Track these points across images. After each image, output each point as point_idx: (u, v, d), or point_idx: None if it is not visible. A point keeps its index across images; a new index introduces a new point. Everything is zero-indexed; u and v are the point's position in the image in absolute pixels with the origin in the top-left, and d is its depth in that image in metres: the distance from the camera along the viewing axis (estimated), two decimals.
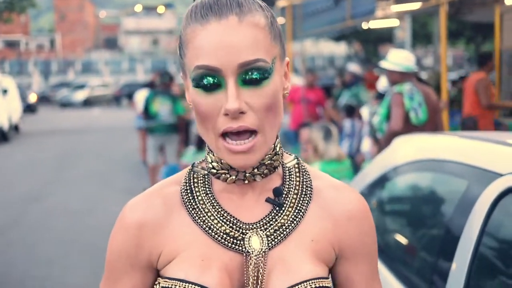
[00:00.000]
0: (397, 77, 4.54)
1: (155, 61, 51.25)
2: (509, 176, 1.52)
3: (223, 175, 0.97)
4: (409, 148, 2.19)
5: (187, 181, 1.00)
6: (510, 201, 1.52)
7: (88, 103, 33.78)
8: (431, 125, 4.42)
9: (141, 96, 10.37)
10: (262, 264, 0.93)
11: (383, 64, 4.69)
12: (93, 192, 8.62)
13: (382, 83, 6.46)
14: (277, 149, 0.98)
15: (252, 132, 0.90)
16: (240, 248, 0.94)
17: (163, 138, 8.12)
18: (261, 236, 0.95)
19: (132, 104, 12.12)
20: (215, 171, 0.98)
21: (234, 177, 0.96)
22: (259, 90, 0.89)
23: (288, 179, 1.00)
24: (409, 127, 4.26)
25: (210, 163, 0.99)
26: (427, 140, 2.21)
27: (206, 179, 1.00)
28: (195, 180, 1.00)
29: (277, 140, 0.99)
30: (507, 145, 1.69)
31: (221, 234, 0.95)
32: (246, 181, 0.96)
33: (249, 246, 0.94)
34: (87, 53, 58.40)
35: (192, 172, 1.01)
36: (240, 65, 0.87)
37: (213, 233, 0.95)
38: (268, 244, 0.94)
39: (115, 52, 60.91)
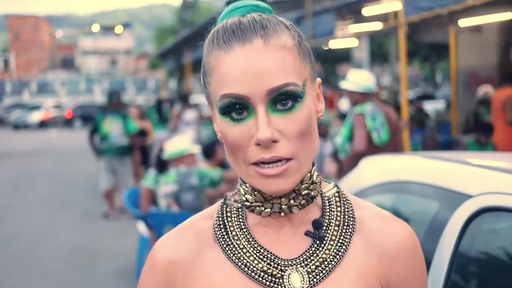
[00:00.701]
0: (358, 98, 4.58)
1: (113, 82, 50.77)
2: (479, 197, 1.51)
3: (258, 207, 0.90)
4: (375, 169, 2.16)
5: (219, 215, 0.94)
6: (481, 223, 1.50)
7: (44, 124, 32.97)
8: (393, 145, 4.46)
9: None
10: None
11: (344, 84, 4.73)
12: (50, 216, 8.35)
13: (344, 104, 6.54)
14: (314, 177, 0.91)
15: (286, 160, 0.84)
16: (279, 286, 0.86)
17: (115, 160, 7.90)
18: (301, 273, 0.87)
19: None
20: (248, 203, 0.91)
21: (269, 209, 0.89)
22: (291, 115, 0.83)
23: (328, 210, 0.93)
24: (371, 147, 4.29)
25: (243, 195, 0.92)
26: (393, 161, 2.20)
27: (240, 213, 0.93)
28: (228, 214, 0.94)
29: (314, 168, 0.92)
30: (475, 166, 1.68)
31: (258, 272, 0.87)
32: (283, 214, 0.89)
33: (289, 284, 0.86)
34: (43, 74, 57.33)
35: (224, 206, 0.95)
36: (269, 91, 0.82)
37: (249, 271, 0.87)
38: (309, 281, 0.87)
39: (72, 72, 60.00)
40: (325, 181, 0.97)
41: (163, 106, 14.02)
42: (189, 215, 3.97)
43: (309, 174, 0.90)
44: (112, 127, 7.82)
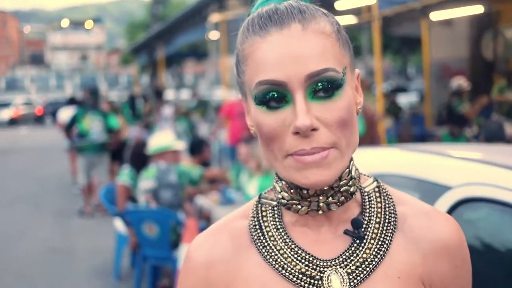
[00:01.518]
0: None
1: (84, 77, 50.04)
2: (459, 189, 1.54)
3: (294, 206, 0.86)
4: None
5: (255, 215, 0.90)
6: (461, 213, 1.53)
7: (14, 122, 32.31)
8: (368, 139, 4.50)
9: (65, 114, 10.04)
10: None
11: None
12: (23, 216, 8.20)
13: None
14: (353, 172, 0.86)
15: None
16: None
17: (94, 157, 7.89)
18: (341, 274, 0.83)
19: (57, 123, 11.69)
20: (285, 201, 0.87)
21: (306, 207, 0.85)
22: (331, 103, 0.79)
23: (368, 206, 0.88)
24: None
25: (279, 193, 0.87)
26: (372, 155, 2.22)
27: (276, 212, 0.89)
28: (264, 213, 0.89)
29: (352, 162, 0.87)
30: (453, 158, 1.71)
31: (296, 274, 0.84)
32: (320, 212, 0.85)
33: (329, 286, 0.83)
34: (12, 70, 56.16)
35: (259, 205, 0.91)
36: (308, 76, 0.78)
37: (287, 273, 0.84)
38: (350, 283, 0.83)
39: (42, 68, 58.93)
40: (364, 176, 0.93)
41: (136, 102, 13.90)
42: (168, 211, 3.95)
43: (348, 169, 0.85)
44: (92, 124, 7.81)
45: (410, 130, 8.16)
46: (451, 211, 1.53)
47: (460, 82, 7.87)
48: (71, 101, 9.88)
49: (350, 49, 0.86)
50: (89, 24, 56.22)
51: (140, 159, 5.17)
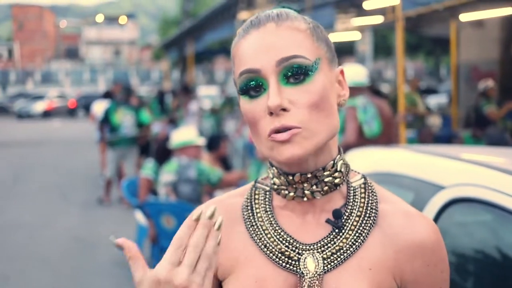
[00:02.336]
0: (354, 92, 4.63)
1: (117, 72, 50.77)
2: (452, 189, 1.56)
3: (283, 191, 0.95)
4: (359, 161, 2.22)
5: (249, 196, 0.99)
6: (452, 213, 1.56)
7: (47, 114, 33.04)
8: (385, 138, 4.51)
9: (99, 107, 10.25)
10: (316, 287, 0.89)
11: None
12: (51, 205, 8.43)
13: None
14: (338, 165, 0.94)
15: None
16: (295, 268, 0.90)
17: (125, 150, 8.14)
18: (317, 259, 0.90)
19: (90, 116, 11.95)
20: (275, 186, 0.96)
21: (292, 193, 0.93)
22: (302, 87, 0.87)
23: (352, 200, 0.95)
24: (362, 140, 4.34)
25: (272, 178, 0.97)
26: (377, 154, 2.26)
27: (268, 196, 0.98)
28: (257, 196, 0.99)
29: (339, 156, 0.95)
30: (449, 158, 1.74)
31: (276, 253, 0.91)
32: (305, 199, 0.93)
33: (304, 267, 0.90)
34: (47, 63, 57.36)
35: (254, 188, 1.00)
36: (278, 62, 0.86)
37: (268, 252, 0.92)
38: (323, 267, 0.89)
39: (76, 62, 60.03)
40: (354, 172, 0.99)
41: (165, 97, 14.07)
42: (186, 205, 4.04)
43: (332, 162, 0.93)
44: (124, 119, 8.04)
45: (432, 132, 8.08)
46: (443, 209, 1.56)
47: (487, 83, 7.77)
48: (106, 95, 10.08)
49: (330, 46, 0.93)
50: (123, 19, 57.04)
51: (164, 154, 5.27)
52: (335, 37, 9.27)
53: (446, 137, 8.25)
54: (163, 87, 20.76)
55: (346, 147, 4.14)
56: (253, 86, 0.88)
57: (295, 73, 0.87)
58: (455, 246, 1.59)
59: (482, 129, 6.03)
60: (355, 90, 4.59)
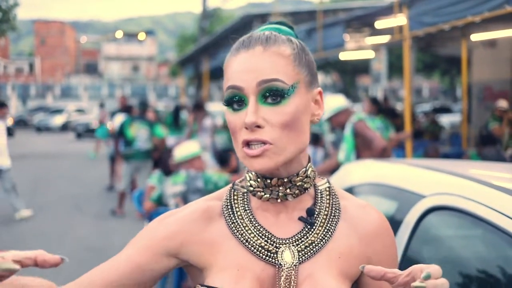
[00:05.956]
0: (341, 118, 4.81)
1: (135, 87, 51.38)
2: (431, 198, 1.68)
3: (259, 192, 1.07)
4: (352, 174, 2.35)
5: (228, 197, 1.11)
6: (432, 220, 1.68)
7: (65, 127, 33.53)
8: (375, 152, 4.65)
9: (118, 120, 10.50)
10: (293, 277, 1.01)
11: (324, 117, 4.97)
12: (65, 216, 8.62)
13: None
14: (308, 172, 1.08)
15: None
16: (273, 260, 1.02)
17: (139, 164, 8.32)
18: (293, 251, 1.03)
19: (110, 128, 12.17)
20: (252, 188, 1.08)
21: (268, 195, 1.06)
22: (277, 108, 0.98)
23: (320, 201, 1.09)
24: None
25: (249, 181, 1.09)
26: (369, 167, 2.38)
27: (245, 197, 1.10)
28: (235, 197, 1.10)
29: (309, 164, 1.09)
30: (431, 170, 1.86)
31: (257, 246, 1.03)
32: (279, 200, 1.06)
33: (282, 259, 1.02)
34: (67, 78, 58.27)
35: (232, 190, 1.12)
36: (259, 83, 0.98)
37: (249, 245, 1.04)
38: (299, 258, 1.03)
39: (95, 77, 60.89)
40: (320, 177, 1.14)
41: (180, 113, 14.28)
42: None
43: (304, 168, 1.06)
44: (139, 132, 8.23)
45: (438, 149, 8.14)
46: (423, 217, 1.68)
47: (500, 103, 7.83)
48: (126, 109, 10.32)
49: (311, 69, 1.06)
50: (142, 36, 57.83)
51: (170, 166, 5.45)
52: (347, 55, 9.40)
53: (454, 155, 8.31)
54: (180, 102, 21.03)
55: (382, 150, 4.29)
56: (236, 100, 1.01)
57: (273, 94, 0.98)
58: (434, 249, 1.71)
59: (483, 147, 6.11)
60: (344, 114, 4.81)
